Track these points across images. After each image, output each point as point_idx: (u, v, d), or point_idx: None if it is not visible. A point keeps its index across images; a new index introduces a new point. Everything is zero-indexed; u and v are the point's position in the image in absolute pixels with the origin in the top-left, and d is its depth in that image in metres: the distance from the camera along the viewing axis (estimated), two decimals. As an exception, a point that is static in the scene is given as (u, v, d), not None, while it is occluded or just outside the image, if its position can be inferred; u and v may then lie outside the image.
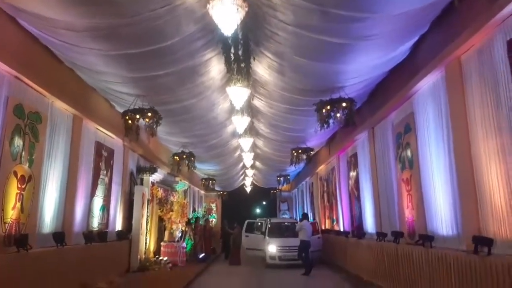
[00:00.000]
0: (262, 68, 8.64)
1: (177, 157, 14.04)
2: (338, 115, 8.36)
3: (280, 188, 31.61)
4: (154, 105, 8.90)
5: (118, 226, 12.35)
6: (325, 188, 18.49)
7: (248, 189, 31.97)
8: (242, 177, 27.55)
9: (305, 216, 13.97)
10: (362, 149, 12.17)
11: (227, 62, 7.70)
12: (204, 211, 23.13)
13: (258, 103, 11.06)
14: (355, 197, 13.05)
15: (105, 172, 11.22)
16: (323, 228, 18.96)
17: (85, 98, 9.86)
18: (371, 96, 10.35)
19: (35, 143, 7.75)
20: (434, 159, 7.39)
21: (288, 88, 9.00)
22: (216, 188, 29.02)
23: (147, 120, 8.68)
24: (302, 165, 22.98)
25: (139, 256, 12.59)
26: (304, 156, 14.10)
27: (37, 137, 7.84)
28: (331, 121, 8.39)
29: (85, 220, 10.07)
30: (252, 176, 26.89)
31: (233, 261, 15.77)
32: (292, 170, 23.45)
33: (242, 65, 8.00)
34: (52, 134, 8.56)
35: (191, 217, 18.79)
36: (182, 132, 12.38)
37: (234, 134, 14.61)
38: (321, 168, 19.21)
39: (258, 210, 42.34)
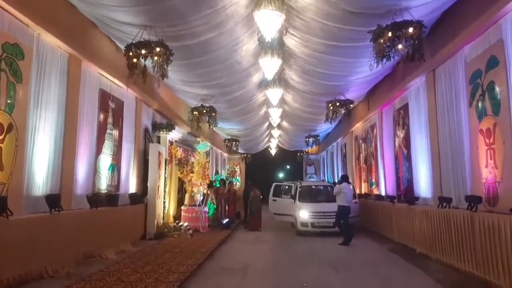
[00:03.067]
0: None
1: (197, 112, 12.33)
2: (399, 46, 6.36)
3: (307, 150, 29.92)
4: (164, 40, 7.10)
5: (132, 188, 10.94)
6: (362, 149, 16.60)
7: (273, 151, 30.33)
8: (267, 138, 25.84)
9: (345, 178, 12.19)
10: (416, 98, 10.15)
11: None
12: (228, 174, 21.69)
13: (291, 41, 9.09)
14: (403, 157, 11.16)
15: (113, 127, 9.67)
16: (358, 192, 17.25)
17: (84, 35, 8.16)
18: (435, 27, 8.23)
19: (15, 84, 6.17)
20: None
21: (333, 13, 7.01)
22: (240, 151, 27.51)
23: (156, 57, 6.91)
24: (333, 125, 21.10)
25: (156, 222, 11.23)
26: (343, 110, 12.13)
27: (19, 76, 6.25)
28: (391, 53, 6.39)
29: (90, 181, 8.64)
30: (277, 138, 25.12)
31: (251, 226, 14.39)
32: (322, 130, 21.58)
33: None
34: (41, 74, 6.96)
35: (213, 179, 17.36)
36: (201, 80, 10.59)
37: (261, 85, 12.76)
38: (357, 127, 17.26)
39: (283, 174, 40.89)
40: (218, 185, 15.73)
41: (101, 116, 9.11)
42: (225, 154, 28.31)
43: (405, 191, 11.01)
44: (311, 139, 22.14)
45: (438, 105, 8.79)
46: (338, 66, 9.82)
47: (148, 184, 11.26)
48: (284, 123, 20.83)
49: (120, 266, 7.35)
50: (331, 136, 24.15)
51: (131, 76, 7.30)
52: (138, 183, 11.26)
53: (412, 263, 8.05)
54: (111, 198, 9.18)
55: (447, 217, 7.64)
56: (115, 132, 9.81)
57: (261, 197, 15.39)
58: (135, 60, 7.00)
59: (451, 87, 8.17)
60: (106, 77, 9.24)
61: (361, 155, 16.94)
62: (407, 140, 10.83)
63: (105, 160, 9.27)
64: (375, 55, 6.54)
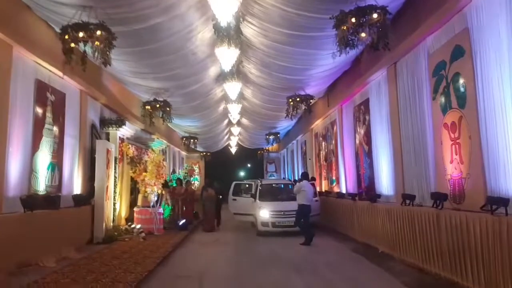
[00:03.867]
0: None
1: (149, 107, 11.49)
2: (363, 34, 5.96)
3: (267, 148, 29.58)
4: (107, 23, 6.32)
5: (77, 189, 9.99)
6: (322, 146, 16.36)
7: (234, 150, 29.78)
8: (227, 136, 25.21)
9: (305, 176, 11.82)
10: (377, 93, 9.90)
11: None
12: (185, 173, 20.85)
13: (249, 30, 8.52)
14: (364, 153, 10.92)
15: (53, 121, 8.71)
16: (319, 190, 17.01)
17: (16, 19, 7.20)
18: (396, 18, 7.93)
19: None
20: (507, 91, 5.16)
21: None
22: (198, 149, 26.69)
23: (97, 42, 6.11)
24: (293, 122, 20.81)
25: (104, 225, 10.33)
26: (303, 106, 11.72)
27: None
28: (355, 41, 5.97)
29: (24, 182, 7.68)
30: (237, 135, 24.56)
31: (204, 227, 13.82)
32: (282, 127, 21.25)
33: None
34: (-41, 60, 5.99)
35: (170, 179, 16.53)
36: (152, 72, 9.78)
37: (218, 79, 12.12)
38: (317, 124, 17.02)
39: (244, 173, 40.37)
40: (174, 185, 14.92)
41: (38, 109, 8.14)
42: (183, 153, 27.40)
43: (367, 188, 10.78)
44: (271, 137, 21.72)
45: (400, 100, 8.55)
46: (299, 59, 9.37)
47: (95, 184, 10.34)
48: (244, 120, 20.29)
49: (58, 276, 6.52)
50: (291, 134, 23.89)
51: (67, 62, 6.43)
52: (84, 183, 10.31)
53: (376, 264, 7.72)
54: (51, 200, 8.23)
55: (410, 215, 7.37)
56: (56, 128, 8.85)
57: (220, 196, 14.76)
58: (72, 44, 6.17)
59: (413, 80, 7.93)
60: (44, 67, 8.27)
61: (321, 152, 16.71)
62: (368, 136, 10.58)
63: (43, 158, 8.31)
64: (338, 43, 6.10)
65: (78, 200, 9.46)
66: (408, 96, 8.18)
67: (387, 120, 9.30)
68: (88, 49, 6.39)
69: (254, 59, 10.28)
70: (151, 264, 7.59)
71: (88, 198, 10.15)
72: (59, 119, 9.00)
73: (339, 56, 6.40)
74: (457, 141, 6.32)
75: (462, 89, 6.13)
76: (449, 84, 6.49)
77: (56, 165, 8.86)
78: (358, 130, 11.38)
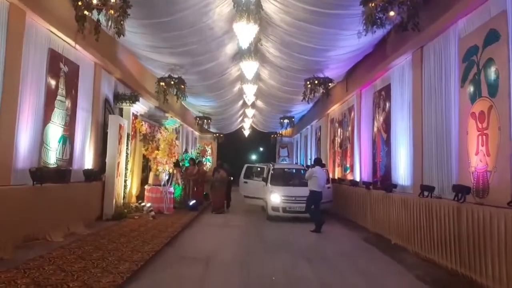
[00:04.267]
0: None
1: (164, 83, 11.27)
2: (392, 13, 5.58)
3: (281, 132, 29.27)
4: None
5: (88, 164, 9.91)
6: (338, 132, 16.00)
7: (247, 132, 29.52)
8: (241, 118, 24.95)
9: (318, 162, 11.52)
10: (399, 78, 9.49)
11: None
12: (198, 153, 20.73)
13: (270, 6, 8.16)
14: (382, 141, 10.56)
15: (65, 93, 8.56)
16: (331, 176, 16.73)
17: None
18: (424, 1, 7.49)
19: None
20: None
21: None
22: (212, 130, 26.55)
23: (111, 11, 5.86)
24: (308, 107, 20.42)
25: (114, 202, 10.27)
26: (321, 89, 11.35)
27: None
28: (382, 19, 5.60)
29: (34, 154, 7.59)
30: (252, 118, 24.27)
31: (213, 207, 13.68)
32: (297, 111, 20.90)
33: None
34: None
35: (182, 158, 16.42)
36: (168, 46, 9.50)
37: (235, 58, 11.80)
38: (334, 109, 16.62)
39: (255, 156, 40.19)
40: (187, 164, 14.79)
41: (51, 80, 7.99)
42: (196, 133, 27.29)
43: (382, 177, 10.46)
44: (286, 121, 21.45)
45: (425, 86, 8.14)
46: (320, 39, 8.99)
47: (107, 160, 10.24)
48: (259, 102, 19.98)
49: (64, 252, 6.43)
50: (305, 119, 23.53)
51: (80, 30, 6.21)
52: (95, 158, 10.22)
53: (389, 255, 7.47)
54: (61, 173, 8.15)
55: (428, 207, 7.06)
56: (68, 100, 8.71)
57: (231, 178, 14.59)
58: (86, 12, 5.94)
59: (440, 66, 7.51)
60: (58, 36, 8.07)
61: (336, 138, 16.35)
62: (387, 124, 10.21)
63: (55, 130, 8.20)
64: (364, 22, 5.73)
65: (89, 175, 9.37)
66: (433, 82, 7.77)
67: (409, 107, 8.92)
68: (102, 18, 6.14)
69: (273, 38, 9.92)
70: (159, 244, 7.48)
71: (99, 174, 10.06)
72: (72, 91, 8.85)
73: (365, 35, 6.05)
74: (485, 131, 5.94)
75: (494, 77, 5.73)
76: (480, 70, 6.08)
77: (68, 138, 8.75)
78: (377, 116, 11.00)
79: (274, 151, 32.68)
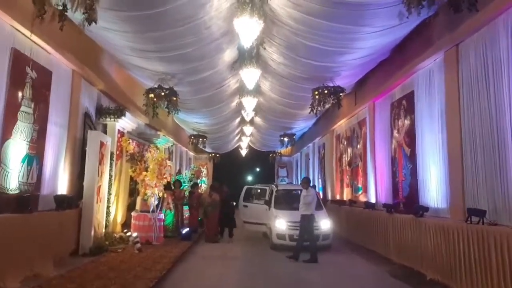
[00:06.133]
0: None
1: (153, 95, 9.88)
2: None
3: (280, 151, 27.89)
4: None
5: (62, 188, 8.39)
6: (346, 149, 14.63)
7: (244, 152, 28.11)
8: (238, 136, 23.55)
9: (309, 181, 10.38)
10: (426, 83, 8.18)
11: None
12: (192, 174, 19.20)
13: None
14: (404, 157, 9.19)
15: (32, 103, 7.13)
16: (338, 198, 15.30)
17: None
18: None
19: None
20: None
21: None
22: (207, 150, 25.07)
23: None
24: (309, 123, 19.08)
25: (93, 232, 8.71)
26: (331, 99, 10.01)
27: None
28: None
29: (-13, 177, 6.08)
30: (249, 136, 22.89)
31: (206, 236, 12.08)
32: (299, 128, 19.53)
33: None
34: None
35: (175, 180, 14.92)
36: (157, 49, 8.12)
37: (234, 67, 10.48)
38: (340, 124, 15.32)
39: (253, 177, 38.66)
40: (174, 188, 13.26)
41: (12, 87, 6.56)
42: (191, 153, 25.82)
43: (406, 198, 9.05)
44: (286, 139, 20.00)
45: (463, 90, 6.82)
46: (333, 38, 7.68)
47: (84, 183, 8.73)
48: (258, 119, 18.64)
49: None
50: (307, 136, 22.20)
51: (38, 16, 4.85)
52: (71, 182, 8.71)
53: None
54: (24, 201, 6.66)
55: (481, 236, 5.63)
56: (36, 112, 7.26)
57: (233, 203, 13.01)
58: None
59: (485, 64, 6.20)
60: (26, 36, 6.68)
61: (344, 156, 14.97)
62: (410, 137, 8.86)
63: (17, 148, 6.72)
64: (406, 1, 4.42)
65: (61, 202, 7.85)
66: (475, 84, 6.45)
67: (440, 116, 7.59)
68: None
69: (278, 40, 8.62)
70: None
71: (75, 200, 8.56)
72: (41, 101, 7.42)
73: (407, 18, 4.72)
74: None
75: None
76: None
77: (35, 158, 7.27)
78: (397, 130, 9.66)
79: (272, 171, 31.19)
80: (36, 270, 6.50)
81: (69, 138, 8.62)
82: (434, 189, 7.81)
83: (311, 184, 11.10)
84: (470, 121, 6.59)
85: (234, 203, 12.98)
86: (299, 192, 13.26)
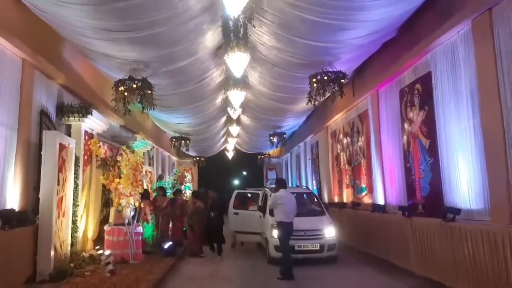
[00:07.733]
0: None
1: (123, 87, 8.36)
2: None
3: (268, 153, 26.54)
4: None
5: (12, 202, 6.80)
6: (344, 146, 13.33)
7: (230, 154, 26.67)
8: (224, 138, 22.11)
9: (282, 184, 8.97)
10: (448, 61, 6.90)
11: None
12: (175, 180, 17.61)
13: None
14: (422, 150, 7.90)
15: (-38, 97, 5.57)
16: (337, 200, 13.99)
17: None
18: None
19: None
20: None
21: None
22: (191, 153, 23.46)
23: None
24: (300, 121, 17.74)
25: (53, 253, 7.14)
26: (332, 87, 8.64)
27: None
28: None
29: None
30: (236, 137, 21.46)
31: (190, 250, 10.65)
32: (288, 127, 18.18)
33: None
34: None
35: (156, 187, 13.39)
36: (126, 28, 6.55)
37: (218, 53, 9.07)
38: (335, 120, 14.02)
39: (240, 181, 37.13)
40: (156, 195, 11.68)
41: None
42: (174, 158, 24.22)
43: (426, 199, 7.74)
44: (275, 138, 18.59)
45: (501, 61, 5.55)
46: (334, 6, 6.32)
47: (40, 195, 7.17)
48: (245, 118, 17.24)
49: None
50: (297, 135, 20.88)
51: None
52: (25, 194, 7.12)
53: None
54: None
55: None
56: (-31, 108, 5.71)
57: (221, 215, 11.30)
58: None
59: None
60: None
61: (341, 154, 13.66)
62: (429, 126, 7.57)
63: None
64: None
65: (9, 219, 6.29)
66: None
67: (470, 98, 6.30)
68: None
69: (269, 16, 7.22)
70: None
71: (30, 215, 7.01)
72: (-24, 95, 5.87)
73: None
74: None
75: None
76: None
77: (-31, 166, 5.71)
78: (410, 119, 8.37)
79: (261, 174, 29.77)
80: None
81: (19, 142, 7.03)
82: (465, 186, 6.51)
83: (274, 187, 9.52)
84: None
85: (223, 216, 11.21)
86: (300, 195, 11.90)
